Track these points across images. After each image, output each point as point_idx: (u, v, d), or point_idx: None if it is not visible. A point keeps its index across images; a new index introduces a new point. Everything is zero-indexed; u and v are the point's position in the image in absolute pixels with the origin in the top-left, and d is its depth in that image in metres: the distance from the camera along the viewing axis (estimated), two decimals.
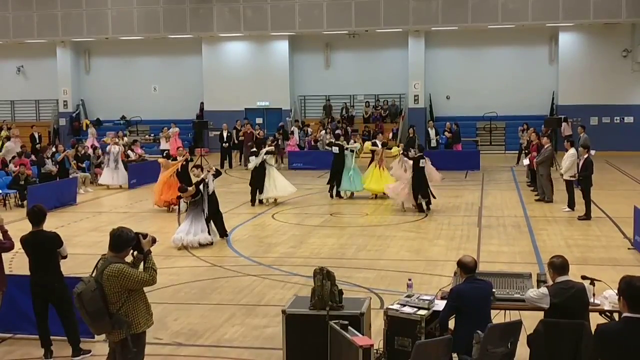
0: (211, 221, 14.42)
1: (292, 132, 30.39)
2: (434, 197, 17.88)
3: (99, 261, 6.43)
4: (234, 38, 34.38)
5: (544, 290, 6.98)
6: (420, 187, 17.53)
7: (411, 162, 17.69)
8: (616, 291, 5.91)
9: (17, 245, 8.56)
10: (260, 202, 19.05)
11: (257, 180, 18.78)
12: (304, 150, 29.84)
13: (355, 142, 20.99)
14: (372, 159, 20.28)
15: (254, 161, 18.71)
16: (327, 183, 20.45)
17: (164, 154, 20.52)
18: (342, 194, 20.12)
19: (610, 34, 31.81)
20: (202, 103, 35.42)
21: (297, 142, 30.07)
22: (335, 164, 20.01)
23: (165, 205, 18.21)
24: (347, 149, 20.07)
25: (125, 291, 6.29)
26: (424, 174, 17.56)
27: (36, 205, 8.84)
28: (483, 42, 33.20)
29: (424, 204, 17.62)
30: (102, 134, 31.87)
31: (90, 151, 24.85)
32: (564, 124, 30.03)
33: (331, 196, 20.08)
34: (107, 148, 23.73)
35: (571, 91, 32.04)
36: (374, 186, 19.57)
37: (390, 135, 29.65)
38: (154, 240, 6.55)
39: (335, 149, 20.19)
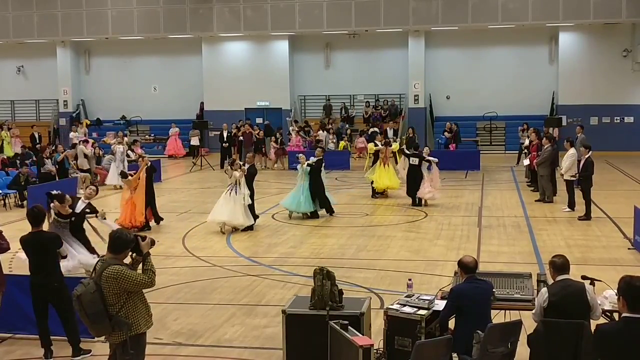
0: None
1: (290, 133, 30.49)
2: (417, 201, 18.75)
3: (97, 263, 6.44)
4: (234, 38, 34.37)
5: (543, 291, 6.97)
6: (412, 184, 18.72)
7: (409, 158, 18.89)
8: (616, 291, 5.91)
9: (17, 245, 8.56)
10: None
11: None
12: (305, 151, 29.80)
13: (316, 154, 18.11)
14: (375, 159, 20.36)
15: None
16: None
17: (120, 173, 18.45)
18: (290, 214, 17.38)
19: (610, 34, 31.80)
20: (202, 103, 35.41)
21: (300, 142, 30.12)
22: (313, 184, 17.27)
23: (140, 225, 15.85)
24: (310, 165, 17.35)
25: (124, 293, 6.28)
26: (415, 171, 18.57)
27: (36, 205, 8.86)
28: (483, 42, 33.20)
29: (417, 199, 18.73)
30: (102, 134, 31.93)
31: (99, 151, 24.88)
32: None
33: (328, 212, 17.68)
34: (112, 148, 23.72)
35: (571, 91, 32.04)
36: (385, 183, 20.01)
37: (391, 133, 29.75)
38: (152, 242, 6.56)
39: (307, 168, 17.44)
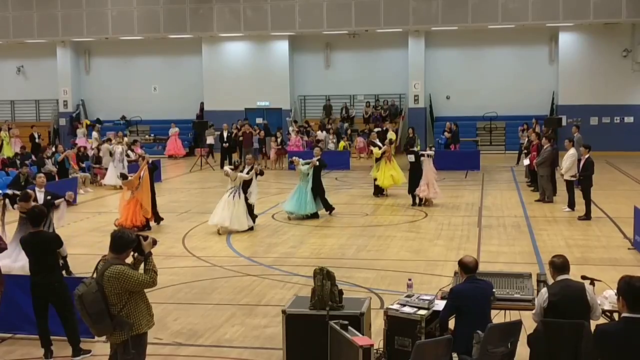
0: None
1: (289, 133, 30.50)
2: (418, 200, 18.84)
3: (99, 262, 6.43)
4: (234, 38, 34.38)
5: (543, 291, 6.97)
6: (412, 183, 18.84)
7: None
8: (616, 291, 5.92)
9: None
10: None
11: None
12: (305, 151, 29.81)
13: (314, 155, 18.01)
14: (378, 159, 20.42)
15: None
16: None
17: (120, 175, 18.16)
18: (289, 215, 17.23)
19: (610, 34, 31.81)
20: (202, 103, 35.42)
21: (299, 143, 30.13)
22: (314, 184, 17.31)
23: (141, 224, 15.67)
24: (307, 164, 17.31)
25: (126, 293, 6.29)
26: (415, 169, 18.66)
27: (36, 205, 8.87)
28: (483, 42, 33.20)
29: (417, 198, 18.78)
30: (103, 134, 31.91)
31: (93, 151, 24.87)
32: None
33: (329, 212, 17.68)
34: (112, 148, 23.71)
35: (571, 91, 32.05)
36: (390, 176, 20.07)
37: (388, 126, 29.80)
38: (154, 242, 6.55)
39: (304, 168, 17.44)
